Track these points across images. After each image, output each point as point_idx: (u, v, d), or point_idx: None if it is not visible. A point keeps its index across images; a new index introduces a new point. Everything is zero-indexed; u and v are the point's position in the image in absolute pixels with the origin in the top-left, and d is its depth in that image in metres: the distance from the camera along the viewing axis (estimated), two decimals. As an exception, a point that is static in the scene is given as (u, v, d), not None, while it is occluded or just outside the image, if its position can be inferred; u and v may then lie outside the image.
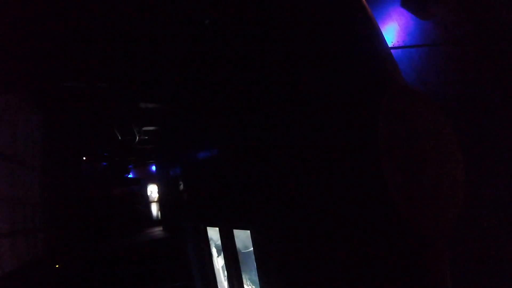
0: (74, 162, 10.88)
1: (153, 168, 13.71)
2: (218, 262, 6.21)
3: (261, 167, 4.33)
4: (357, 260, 3.03)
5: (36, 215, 8.48)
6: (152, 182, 13.89)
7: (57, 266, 6.15)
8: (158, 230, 10.50)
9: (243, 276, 5.29)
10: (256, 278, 5.02)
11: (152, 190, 13.80)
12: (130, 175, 13.81)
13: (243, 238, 5.12)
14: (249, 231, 4.73)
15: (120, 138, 10.65)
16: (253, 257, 5.02)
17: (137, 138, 10.48)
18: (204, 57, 5.90)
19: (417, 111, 2.81)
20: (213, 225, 5.97)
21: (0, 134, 7.11)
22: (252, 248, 4.98)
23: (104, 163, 13.38)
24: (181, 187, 8.06)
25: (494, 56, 4.21)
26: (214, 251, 6.36)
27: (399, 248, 2.78)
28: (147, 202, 13.42)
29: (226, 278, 5.86)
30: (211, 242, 6.35)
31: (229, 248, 5.36)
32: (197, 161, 6.88)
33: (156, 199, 13.25)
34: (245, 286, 5.27)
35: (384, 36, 3.25)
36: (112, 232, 10.27)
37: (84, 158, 12.24)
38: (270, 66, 3.96)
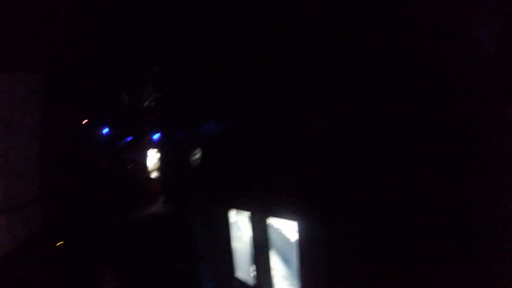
0: (73, 127, 10.19)
1: (155, 136, 13.05)
2: (239, 247, 5.78)
3: (321, 149, 3.80)
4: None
5: (33, 187, 7.85)
6: (152, 148, 13.19)
7: (58, 244, 5.58)
8: (159, 204, 9.90)
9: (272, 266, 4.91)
10: (288, 270, 4.67)
11: (153, 158, 13.12)
12: (129, 141, 13.15)
13: (276, 226, 4.74)
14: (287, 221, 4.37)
15: (127, 102, 9.99)
16: (286, 248, 4.65)
17: (146, 103, 9.86)
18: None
19: None
20: (240, 208, 5.46)
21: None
22: (283, 238, 4.61)
23: (106, 129, 12.69)
24: (194, 159, 7.45)
25: None
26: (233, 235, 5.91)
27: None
28: (147, 171, 12.77)
29: (250, 266, 5.43)
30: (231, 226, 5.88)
31: (261, 236, 4.91)
32: (220, 130, 6.25)
33: (156, 168, 12.59)
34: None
35: None
36: (112, 204, 9.65)
37: (83, 122, 11.52)
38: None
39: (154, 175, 12.65)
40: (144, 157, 12.97)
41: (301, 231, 4.11)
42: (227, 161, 5.86)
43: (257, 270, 5.15)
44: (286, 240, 4.55)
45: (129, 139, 12.73)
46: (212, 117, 6.54)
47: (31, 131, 7.83)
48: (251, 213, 5.12)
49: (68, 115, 10.10)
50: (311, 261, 4.02)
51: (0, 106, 6.54)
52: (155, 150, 12.61)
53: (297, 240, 4.18)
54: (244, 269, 5.68)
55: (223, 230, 6.14)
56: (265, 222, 4.78)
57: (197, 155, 7.18)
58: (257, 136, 4.95)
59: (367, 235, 3.33)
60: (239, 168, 5.45)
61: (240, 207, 5.49)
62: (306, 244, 4.06)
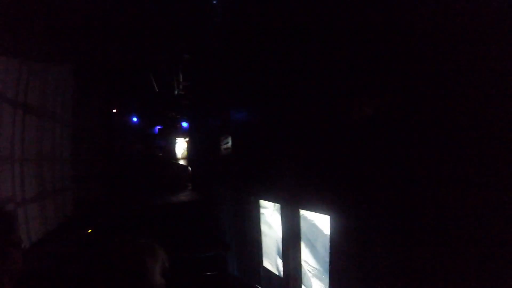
0: (104, 114, 10.36)
1: (184, 124, 13.13)
2: (268, 237, 5.73)
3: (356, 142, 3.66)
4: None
5: (65, 173, 8.01)
6: (180, 136, 13.28)
7: (89, 231, 5.65)
8: (187, 191, 9.98)
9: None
10: (318, 264, 4.58)
11: (182, 146, 13.23)
12: (160, 128, 13.30)
13: (307, 219, 4.63)
14: (320, 215, 4.23)
15: (157, 90, 10.05)
16: (317, 241, 4.55)
17: (176, 91, 9.88)
18: None
19: None
20: (270, 200, 5.39)
21: (28, 85, 6.47)
22: (315, 232, 4.51)
23: (135, 117, 12.87)
24: (224, 147, 7.42)
25: None
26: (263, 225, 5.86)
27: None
28: (176, 159, 12.89)
29: (278, 256, 5.38)
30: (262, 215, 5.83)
31: (291, 228, 4.84)
32: (252, 119, 6.17)
33: (185, 156, 12.70)
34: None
35: None
36: (142, 191, 9.80)
37: (114, 110, 11.68)
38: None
39: (182, 163, 12.81)
40: (173, 145, 13.11)
41: (333, 225, 4.00)
42: (257, 150, 5.80)
43: (286, 261, 5.09)
44: (317, 233, 4.44)
45: (159, 127, 12.88)
46: (243, 106, 6.47)
47: (63, 120, 7.98)
48: (281, 204, 5.05)
49: (100, 103, 10.28)
50: (343, 256, 3.91)
51: (33, 95, 6.66)
52: (184, 138, 12.73)
53: (329, 234, 4.07)
54: (272, 260, 5.64)
55: (252, 220, 6.11)
56: (296, 214, 4.70)
57: (228, 143, 7.15)
58: (289, 126, 4.85)
59: (399, 232, 3.20)
60: (270, 158, 5.38)
61: (270, 198, 5.42)
62: (338, 239, 3.95)
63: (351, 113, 3.76)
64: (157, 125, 13.11)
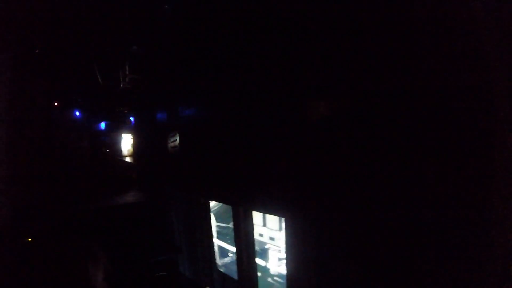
0: (44, 108, 9.59)
1: (131, 119, 12.52)
2: (220, 239, 5.54)
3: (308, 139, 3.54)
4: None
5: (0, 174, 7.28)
6: (126, 132, 12.66)
7: (29, 239, 5.14)
8: (134, 192, 9.48)
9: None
10: (274, 267, 4.47)
11: (128, 142, 12.61)
12: (102, 126, 12.59)
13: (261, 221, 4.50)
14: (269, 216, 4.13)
15: (101, 83, 9.45)
16: (272, 242, 4.44)
17: (121, 85, 9.32)
18: None
19: None
20: (221, 201, 5.18)
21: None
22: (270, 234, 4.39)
23: (78, 111, 12.07)
24: (171, 144, 7.07)
25: None
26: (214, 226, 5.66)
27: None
28: (122, 156, 12.28)
29: (232, 258, 5.21)
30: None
31: (244, 230, 4.67)
32: (201, 115, 5.89)
33: (131, 154, 12.11)
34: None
35: None
36: (85, 192, 9.18)
37: (55, 103, 10.86)
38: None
39: (128, 160, 12.20)
40: (119, 141, 12.48)
41: (289, 227, 3.91)
42: (207, 149, 5.53)
43: (240, 263, 4.92)
44: (273, 235, 4.31)
45: (106, 122, 12.20)
46: (192, 101, 6.17)
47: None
48: (233, 206, 4.85)
49: (39, 96, 9.52)
50: (299, 256, 3.84)
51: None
52: (131, 134, 12.11)
53: (285, 236, 3.98)
54: (226, 262, 5.45)
55: (202, 222, 5.87)
56: (249, 216, 4.54)
57: (175, 141, 6.81)
58: (241, 123, 4.64)
59: (355, 233, 3.24)
60: (220, 158, 5.14)
61: (221, 199, 5.21)
62: (294, 240, 3.87)
63: (307, 113, 3.64)
64: (103, 120, 12.42)
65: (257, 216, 4.50)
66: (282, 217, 3.94)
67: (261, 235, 4.42)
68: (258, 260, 4.61)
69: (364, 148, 3.12)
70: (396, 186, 2.91)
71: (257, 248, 4.53)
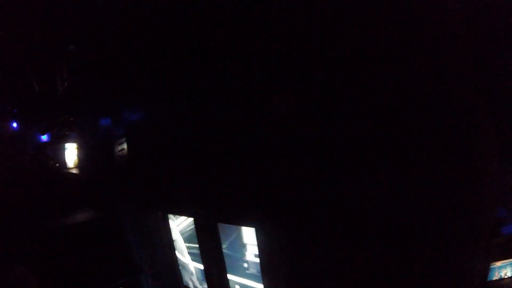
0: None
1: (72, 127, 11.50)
2: (183, 255, 4.98)
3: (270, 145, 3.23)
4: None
5: None
6: (70, 142, 11.61)
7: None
8: (84, 209, 8.56)
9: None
10: (247, 279, 4.02)
11: (72, 153, 11.56)
12: (45, 137, 11.52)
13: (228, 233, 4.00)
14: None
15: (37, 89, 8.53)
16: (242, 254, 3.94)
17: (59, 90, 8.46)
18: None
19: None
20: (181, 213, 4.61)
21: None
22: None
23: (14, 123, 10.98)
24: (118, 154, 6.34)
25: None
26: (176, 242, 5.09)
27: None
28: (67, 168, 11.25)
29: (200, 274, 4.67)
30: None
31: (210, 244, 4.19)
32: (151, 119, 5.21)
33: (77, 165, 11.11)
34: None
35: None
36: (27, 212, 8.20)
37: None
38: None
39: (75, 174, 11.16)
40: (63, 152, 11.44)
41: (260, 237, 3.53)
42: (160, 156, 4.90)
43: (210, 279, 4.46)
44: (242, 246, 3.85)
45: (48, 133, 11.14)
46: (140, 104, 5.50)
47: None
48: (195, 218, 4.34)
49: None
50: (272, 266, 3.54)
51: None
52: (75, 144, 11.10)
53: (257, 246, 3.59)
54: (194, 278, 4.91)
55: (163, 237, 5.28)
56: (214, 228, 4.04)
57: (123, 149, 6.10)
58: (198, 125, 4.08)
59: (322, 237, 3.14)
60: (176, 166, 4.56)
61: (180, 211, 4.64)
62: (267, 250, 3.52)
63: (269, 110, 3.26)
64: (46, 130, 11.36)
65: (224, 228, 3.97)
66: (253, 227, 3.47)
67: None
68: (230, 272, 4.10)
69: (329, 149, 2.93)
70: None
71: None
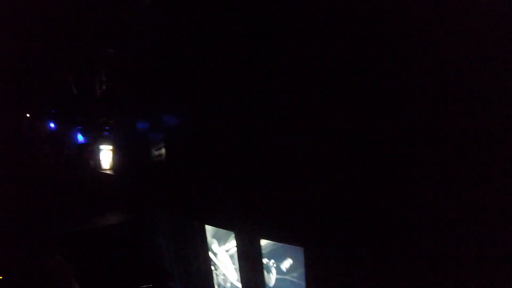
0: (14, 120, 8.73)
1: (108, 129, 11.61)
2: (222, 268, 4.79)
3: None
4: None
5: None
6: (106, 143, 11.70)
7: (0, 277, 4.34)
8: (116, 212, 8.56)
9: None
10: None
11: (107, 154, 11.65)
12: (81, 138, 11.68)
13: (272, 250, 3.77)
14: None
15: (75, 91, 8.63)
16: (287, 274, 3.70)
17: (97, 93, 8.52)
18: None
19: None
20: (220, 226, 4.42)
21: None
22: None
23: (52, 122, 11.19)
24: (157, 159, 6.23)
25: None
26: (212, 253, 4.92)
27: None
28: (102, 169, 11.34)
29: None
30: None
31: (251, 260, 3.97)
32: (192, 124, 5.03)
33: (111, 166, 11.18)
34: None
35: None
36: (62, 213, 8.27)
37: (27, 115, 10.01)
38: None
39: (110, 175, 11.22)
40: (99, 153, 11.56)
41: (309, 257, 3.28)
42: (200, 162, 4.72)
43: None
44: (288, 266, 3.63)
45: (86, 134, 11.31)
46: (179, 107, 5.36)
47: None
48: (236, 232, 4.15)
49: (9, 109, 8.70)
50: None
51: None
52: (110, 145, 11.18)
53: (304, 267, 3.35)
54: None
55: (197, 247, 5.10)
56: (256, 244, 3.83)
57: (161, 155, 5.99)
58: (243, 136, 3.87)
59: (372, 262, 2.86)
60: (216, 175, 4.36)
61: (219, 223, 4.44)
62: (316, 272, 3.29)
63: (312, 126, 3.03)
64: (84, 131, 11.53)
65: (268, 245, 3.75)
66: (301, 246, 3.25)
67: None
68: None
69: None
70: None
71: None
